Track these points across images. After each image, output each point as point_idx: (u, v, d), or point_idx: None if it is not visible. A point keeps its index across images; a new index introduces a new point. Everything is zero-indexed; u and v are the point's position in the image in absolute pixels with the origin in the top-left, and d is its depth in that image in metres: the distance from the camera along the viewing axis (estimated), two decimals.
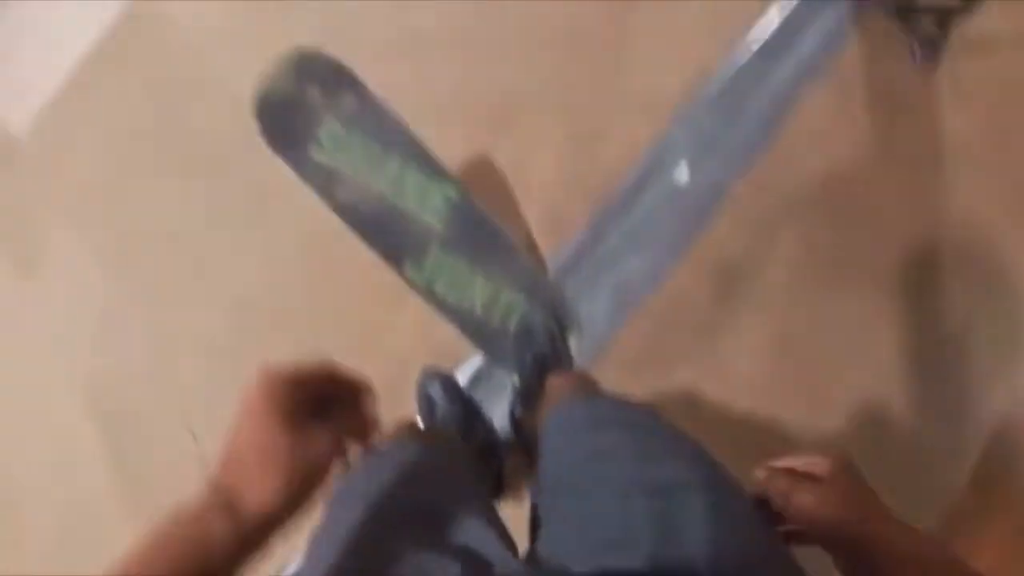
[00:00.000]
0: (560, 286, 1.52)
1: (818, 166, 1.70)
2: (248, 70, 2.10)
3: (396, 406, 1.61)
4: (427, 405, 1.49)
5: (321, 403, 0.55)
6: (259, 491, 0.48)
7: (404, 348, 1.65)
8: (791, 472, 0.61)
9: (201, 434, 1.84)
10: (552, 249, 1.60)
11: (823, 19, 1.80)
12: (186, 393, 1.90)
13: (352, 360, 1.73)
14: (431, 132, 1.74)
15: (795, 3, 1.81)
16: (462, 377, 1.55)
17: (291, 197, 1.59)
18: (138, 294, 2.03)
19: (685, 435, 0.70)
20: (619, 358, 1.59)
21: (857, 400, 1.56)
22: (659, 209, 1.61)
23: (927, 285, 1.63)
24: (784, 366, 1.57)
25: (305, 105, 1.30)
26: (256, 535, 0.48)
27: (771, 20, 1.78)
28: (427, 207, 1.37)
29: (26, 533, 2.06)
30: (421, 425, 1.47)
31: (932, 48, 1.70)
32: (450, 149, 1.73)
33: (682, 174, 1.64)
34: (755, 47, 1.75)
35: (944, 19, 1.69)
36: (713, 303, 1.60)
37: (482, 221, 1.42)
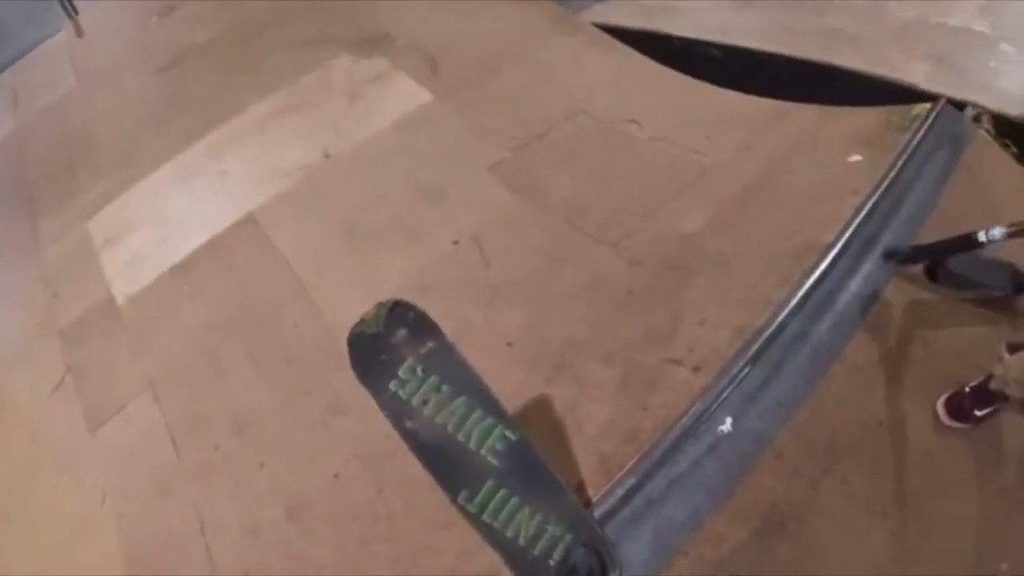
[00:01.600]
0: (603, 526, 1.58)
1: (858, 413, 1.80)
2: (337, 296, 2.41)
3: None
4: None
5: None
6: None
7: (441, 570, 1.70)
8: None
9: None
10: (598, 490, 1.68)
11: (856, 283, 1.99)
12: (220, 571, 1.91)
13: (387, 572, 1.78)
14: (495, 371, 1.92)
15: (834, 265, 2.01)
16: None
17: (358, 415, 1.73)
18: (196, 474, 2.13)
19: None
20: None
21: None
22: (702, 457, 1.70)
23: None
24: None
25: (392, 345, 1.48)
26: None
27: (809, 282, 1.97)
28: (487, 445, 1.49)
29: None
30: None
31: None
32: (511, 388, 1.90)
33: (725, 425, 1.74)
34: (794, 307, 1.92)
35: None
36: (754, 548, 1.62)
37: (536, 463, 1.52)
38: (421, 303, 1.73)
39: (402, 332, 1.48)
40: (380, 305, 1.48)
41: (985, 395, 1.69)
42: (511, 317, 2.15)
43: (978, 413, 1.74)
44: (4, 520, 2.34)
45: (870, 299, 2.00)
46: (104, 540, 2.11)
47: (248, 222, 2.83)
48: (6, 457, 2.51)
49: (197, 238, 2.84)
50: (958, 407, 1.77)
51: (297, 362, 2.28)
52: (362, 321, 1.47)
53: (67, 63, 4.52)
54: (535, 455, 1.53)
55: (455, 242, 2.45)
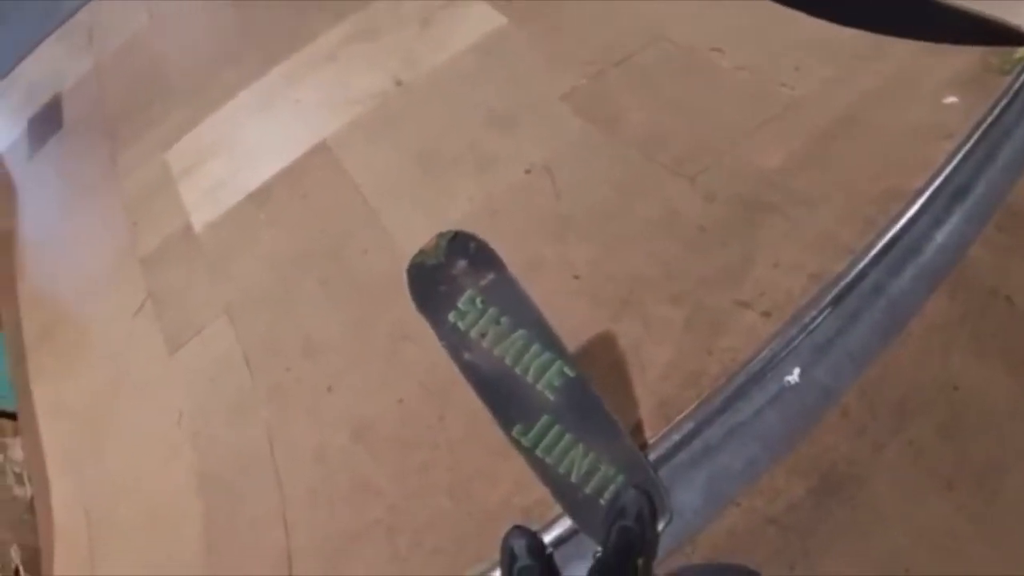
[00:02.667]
0: (657, 469, 1.56)
1: (933, 375, 1.69)
2: (408, 224, 2.41)
3: (465, 553, 1.68)
4: (508, 558, 1.54)
5: None
6: None
7: (494, 500, 1.73)
8: None
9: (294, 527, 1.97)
10: (656, 432, 1.65)
11: (941, 237, 1.84)
12: (286, 492, 2.03)
13: (443, 500, 1.85)
14: (560, 304, 1.91)
15: (921, 214, 1.87)
16: (547, 537, 1.59)
17: (424, 343, 1.75)
18: (268, 396, 2.23)
19: None
20: (705, 546, 1.58)
21: None
22: (765, 407, 1.64)
23: None
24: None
25: (451, 276, 1.47)
26: None
27: (893, 231, 1.83)
28: (544, 381, 1.48)
29: (109, 564, 2.21)
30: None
31: None
32: (575, 323, 1.90)
33: (792, 376, 1.67)
34: (875, 256, 1.80)
35: None
36: (809, 506, 1.57)
37: (593, 401, 1.50)
38: (489, 232, 1.71)
39: (462, 263, 1.47)
40: (440, 235, 1.46)
41: None
42: (580, 250, 2.11)
43: None
44: (87, 437, 2.55)
45: (956, 253, 1.85)
46: (180, 458, 2.26)
47: (321, 150, 2.88)
48: (90, 379, 2.71)
49: (272, 166, 2.91)
50: None
51: (367, 289, 2.33)
52: (422, 252, 1.47)
53: (139, 4, 4.61)
54: (592, 393, 1.50)
55: (527, 171, 2.41)
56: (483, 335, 1.46)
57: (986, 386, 1.65)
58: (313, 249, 2.54)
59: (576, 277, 2.04)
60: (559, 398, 1.49)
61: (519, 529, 1.59)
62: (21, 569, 2.26)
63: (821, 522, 1.55)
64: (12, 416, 2.78)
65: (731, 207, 2.05)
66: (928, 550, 1.47)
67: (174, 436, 2.32)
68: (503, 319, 1.47)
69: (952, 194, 1.92)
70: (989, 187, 1.93)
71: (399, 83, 2.95)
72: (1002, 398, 1.63)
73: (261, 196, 2.83)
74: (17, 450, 2.65)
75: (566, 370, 1.49)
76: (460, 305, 1.46)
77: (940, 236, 1.86)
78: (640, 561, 1.50)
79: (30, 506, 2.48)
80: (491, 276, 1.48)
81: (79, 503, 2.38)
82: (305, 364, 2.22)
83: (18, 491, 2.51)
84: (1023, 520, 1.48)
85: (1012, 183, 1.93)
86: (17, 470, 2.58)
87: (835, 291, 1.74)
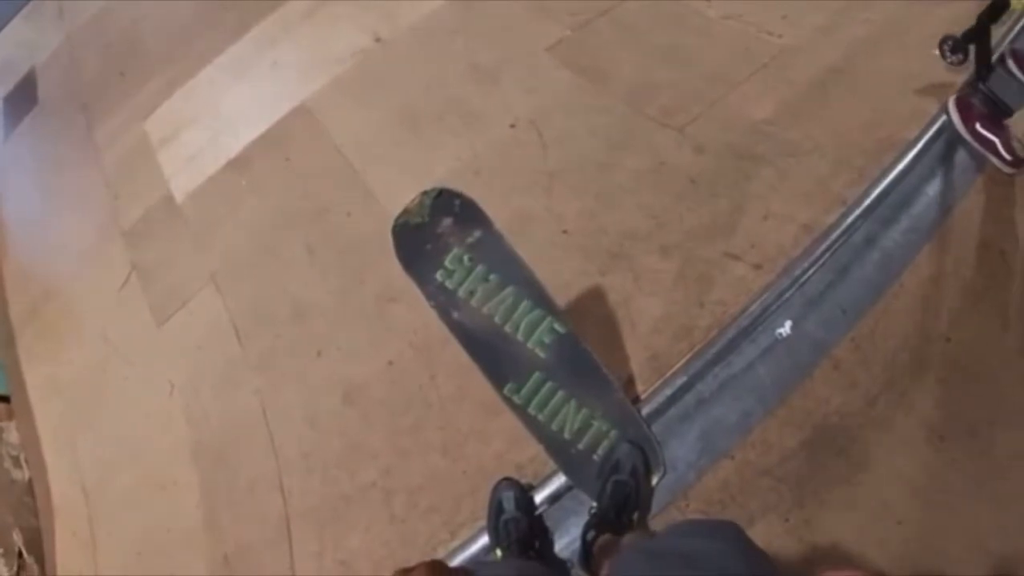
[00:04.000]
0: (650, 424, 1.56)
1: (925, 327, 1.68)
2: (392, 184, 2.37)
3: (460, 512, 1.69)
4: (495, 510, 1.55)
5: None
6: None
7: (488, 457, 1.73)
8: None
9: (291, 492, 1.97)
10: (648, 386, 1.65)
11: (937, 183, 1.83)
12: (281, 458, 2.01)
13: (437, 460, 1.84)
14: (550, 259, 1.88)
15: (914, 165, 1.84)
16: (540, 495, 1.59)
17: (412, 304, 1.73)
18: (259, 362, 2.22)
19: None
20: (699, 499, 1.59)
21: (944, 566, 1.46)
22: (757, 360, 1.64)
23: None
24: (875, 531, 1.51)
25: (437, 235, 1.45)
26: None
27: (885, 182, 1.81)
28: (534, 338, 1.46)
29: (110, 539, 2.22)
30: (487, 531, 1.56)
31: None
32: (566, 277, 1.89)
33: (784, 328, 1.66)
34: (865, 209, 1.78)
35: None
36: (802, 458, 1.58)
37: (583, 356, 1.49)
38: (475, 189, 1.68)
39: (447, 221, 1.44)
40: (424, 194, 1.43)
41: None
42: (569, 204, 2.07)
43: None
44: (80, 415, 2.53)
45: (949, 205, 1.83)
46: (173, 429, 2.25)
47: (301, 112, 2.81)
48: (80, 356, 2.68)
49: (252, 131, 2.85)
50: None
51: (352, 251, 2.30)
52: (406, 211, 1.44)
53: None
54: (584, 349, 1.49)
55: (512, 125, 2.36)
56: (471, 293, 1.45)
57: (979, 339, 1.65)
58: (297, 214, 2.50)
59: (565, 232, 2.01)
60: (550, 355, 1.48)
61: (508, 481, 1.60)
62: (24, 551, 2.27)
63: (814, 474, 1.55)
64: (5, 399, 2.75)
65: (721, 158, 2.01)
66: (920, 502, 1.48)
67: (167, 408, 2.30)
68: (491, 276, 1.45)
69: (947, 145, 1.90)
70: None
71: (378, 40, 2.87)
72: (995, 351, 1.62)
73: (241, 162, 2.77)
74: (12, 433, 2.64)
75: (556, 326, 1.47)
76: (447, 264, 1.44)
77: (933, 189, 1.84)
78: (635, 515, 1.51)
79: (29, 488, 2.48)
80: (478, 233, 1.45)
81: (76, 482, 2.37)
82: (294, 330, 2.20)
83: (16, 474, 2.51)
84: (1016, 473, 1.48)
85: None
86: (14, 453, 2.57)
87: (826, 243, 1.71)
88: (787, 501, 1.53)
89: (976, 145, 1.84)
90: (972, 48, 1.85)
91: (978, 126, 1.84)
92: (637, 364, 1.68)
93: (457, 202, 1.46)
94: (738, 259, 1.79)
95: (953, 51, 1.94)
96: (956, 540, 1.42)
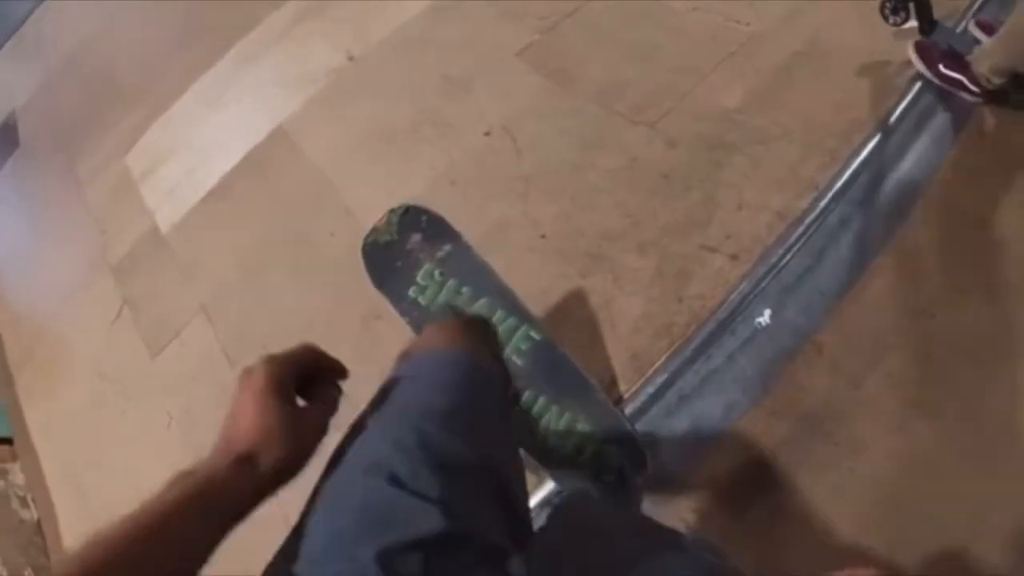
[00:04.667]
0: (633, 423, 1.56)
1: (907, 303, 1.68)
2: (371, 201, 2.37)
3: None
4: None
5: (306, 379, 0.69)
6: (272, 452, 0.60)
7: None
8: None
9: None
10: (631, 385, 1.65)
11: (907, 165, 1.82)
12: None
13: None
14: (530, 264, 1.88)
15: (884, 143, 1.84)
16: (532, 501, 1.59)
17: (396, 321, 1.73)
18: None
19: None
20: (687, 495, 1.58)
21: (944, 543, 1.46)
22: (737, 351, 1.64)
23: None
24: (872, 514, 1.51)
25: (407, 251, 1.46)
26: (270, 485, 0.61)
27: (855, 163, 1.81)
28: (511, 345, 1.47)
29: None
30: None
31: None
32: (546, 282, 1.89)
33: (763, 317, 1.66)
34: (838, 191, 1.78)
35: None
36: (790, 445, 1.57)
37: (563, 361, 1.50)
38: (452, 198, 1.69)
39: (416, 237, 1.45)
40: (391, 211, 1.45)
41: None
42: (545, 208, 2.07)
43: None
44: (82, 452, 2.53)
45: (924, 179, 1.82)
46: (173, 460, 2.23)
47: (278, 135, 2.82)
48: (77, 391, 2.69)
49: (230, 158, 2.86)
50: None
51: (337, 271, 2.28)
52: (374, 230, 1.45)
53: (85, 5, 4.49)
54: (561, 353, 1.50)
55: (486, 133, 2.36)
56: (444, 307, 1.46)
57: (963, 312, 1.63)
58: (280, 238, 2.51)
59: (543, 236, 2.01)
60: (527, 362, 1.49)
61: None
62: None
63: (803, 460, 1.54)
64: (8, 441, 2.77)
65: (693, 151, 2.01)
66: (914, 480, 1.47)
67: (166, 440, 2.30)
68: (464, 289, 1.46)
69: (917, 121, 1.89)
70: (955, 109, 1.90)
71: (351, 58, 2.89)
72: (981, 324, 1.61)
73: (222, 190, 2.78)
74: (18, 474, 2.65)
75: (532, 334, 1.48)
76: (419, 279, 1.45)
77: (906, 166, 1.84)
78: None
79: (38, 528, 2.49)
80: (447, 247, 1.46)
81: (85, 518, 2.37)
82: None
83: (24, 514, 2.52)
84: (1007, 445, 1.47)
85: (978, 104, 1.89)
86: (20, 493, 2.58)
87: (800, 228, 1.71)
88: (778, 491, 1.53)
89: (944, 85, 1.87)
90: (912, 6, 1.89)
91: (942, 67, 1.86)
92: (619, 364, 1.68)
93: (424, 218, 1.47)
94: (715, 251, 1.78)
95: (894, 11, 1.96)
96: (955, 516, 1.41)
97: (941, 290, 1.67)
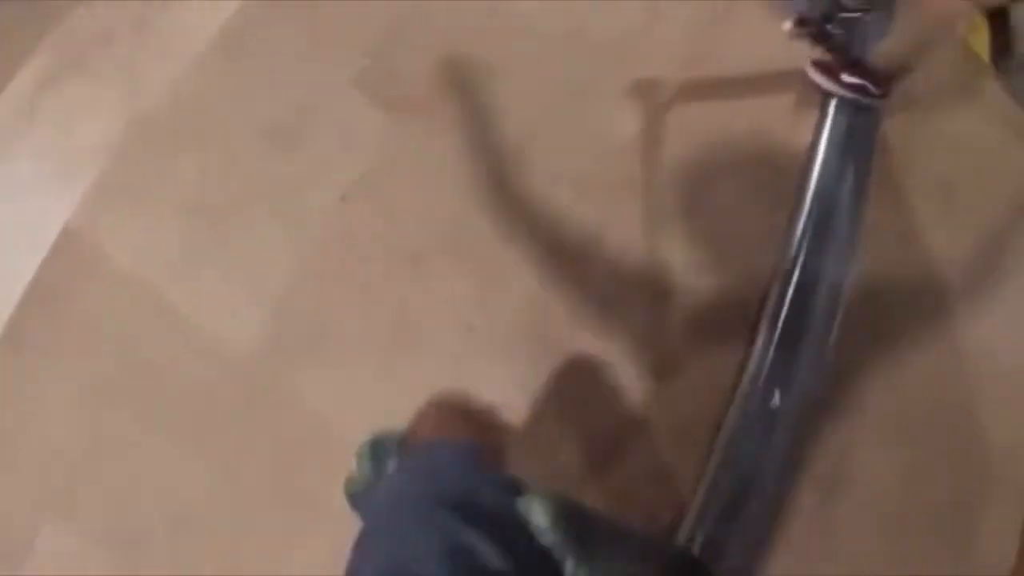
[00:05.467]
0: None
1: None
2: (213, 306, 1.90)
3: None
4: None
5: None
6: None
7: None
8: None
9: None
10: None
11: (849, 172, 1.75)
12: None
13: None
14: (472, 375, 1.69)
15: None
16: None
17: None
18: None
19: None
20: None
21: None
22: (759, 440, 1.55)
23: None
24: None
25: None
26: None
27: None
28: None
29: None
30: None
31: None
32: (495, 392, 1.55)
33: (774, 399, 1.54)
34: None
35: None
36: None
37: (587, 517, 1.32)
38: (325, 299, 1.42)
39: (392, 462, 1.18)
40: (358, 456, 1.17)
41: None
42: (452, 287, 1.77)
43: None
44: None
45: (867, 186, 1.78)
46: None
47: (68, 241, 2.07)
48: None
49: (10, 293, 2.08)
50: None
51: (192, 403, 1.84)
52: (349, 481, 1.18)
53: None
54: (584, 509, 1.32)
55: (342, 198, 1.93)
56: None
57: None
58: (110, 384, 1.94)
59: (470, 329, 1.72)
60: (554, 537, 1.29)
61: None
62: None
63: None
64: None
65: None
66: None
67: None
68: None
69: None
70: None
71: (131, 121, 2.20)
72: None
73: (15, 335, 2.08)
74: None
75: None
76: None
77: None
78: None
79: None
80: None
81: None
82: (173, 540, 1.78)
83: None
84: None
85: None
86: None
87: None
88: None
89: (851, 95, 1.78)
90: None
91: (845, 77, 1.76)
92: None
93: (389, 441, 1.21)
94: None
95: None
96: None
97: None
